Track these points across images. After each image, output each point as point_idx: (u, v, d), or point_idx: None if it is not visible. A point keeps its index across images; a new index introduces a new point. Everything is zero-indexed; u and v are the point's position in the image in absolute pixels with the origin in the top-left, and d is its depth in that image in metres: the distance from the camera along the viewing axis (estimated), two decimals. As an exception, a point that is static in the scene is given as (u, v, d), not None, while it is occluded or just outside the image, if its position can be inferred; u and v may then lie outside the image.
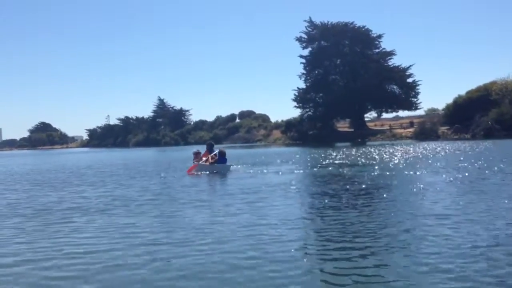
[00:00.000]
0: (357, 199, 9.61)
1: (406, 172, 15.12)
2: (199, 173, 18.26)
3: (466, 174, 13.64)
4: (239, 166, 20.65)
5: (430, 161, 19.56)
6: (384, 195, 10.00)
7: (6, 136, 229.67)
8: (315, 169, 18.26)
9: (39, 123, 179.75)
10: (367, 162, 20.79)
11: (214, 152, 19.43)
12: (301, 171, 17.88)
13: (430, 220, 7.13)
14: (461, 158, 20.31)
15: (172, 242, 6.33)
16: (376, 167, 17.35)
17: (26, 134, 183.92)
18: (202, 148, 21.37)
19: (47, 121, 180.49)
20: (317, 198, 10.00)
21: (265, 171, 17.81)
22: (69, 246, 6.40)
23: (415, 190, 10.64)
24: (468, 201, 8.68)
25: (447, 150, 27.79)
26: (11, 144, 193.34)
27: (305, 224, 7.35)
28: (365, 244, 5.80)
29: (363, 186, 11.74)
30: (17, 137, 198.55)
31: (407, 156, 23.79)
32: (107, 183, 15.53)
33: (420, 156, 23.46)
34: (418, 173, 14.89)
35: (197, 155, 20.49)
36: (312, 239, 6.33)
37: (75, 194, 12.60)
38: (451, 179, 12.54)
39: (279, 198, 10.11)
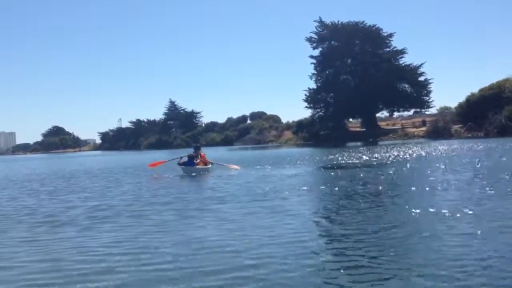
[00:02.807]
0: (372, 201, 9.50)
1: (421, 172, 15.12)
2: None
3: (484, 173, 13.40)
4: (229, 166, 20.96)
5: (445, 160, 19.51)
6: (400, 196, 9.93)
7: (20, 140, 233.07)
8: (327, 170, 18.25)
9: (52, 127, 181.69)
10: (380, 161, 20.80)
11: (184, 156, 20.26)
12: (314, 172, 17.96)
13: (446, 223, 7.00)
14: (477, 157, 20.22)
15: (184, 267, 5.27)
16: (389, 167, 17.37)
17: (39, 138, 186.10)
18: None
19: (60, 125, 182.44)
20: (334, 200, 9.81)
21: (276, 172, 17.82)
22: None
23: (431, 190, 10.58)
24: (491, 203, 8.41)
25: (461, 149, 27.68)
26: (25, 148, 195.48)
27: (324, 232, 6.95)
28: (382, 250, 5.69)
29: (377, 187, 11.58)
30: (31, 141, 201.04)
31: (421, 155, 23.77)
32: (95, 191, 14.27)
33: (434, 155, 23.42)
34: (434, 172, 14.83)
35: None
36: (332, 249, 5.97)
37: (55, 203, 11.47)
38: (469, 178, 12.45)
39: (294, 202, 9.88)
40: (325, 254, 5.62)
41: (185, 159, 19.81)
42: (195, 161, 19.65)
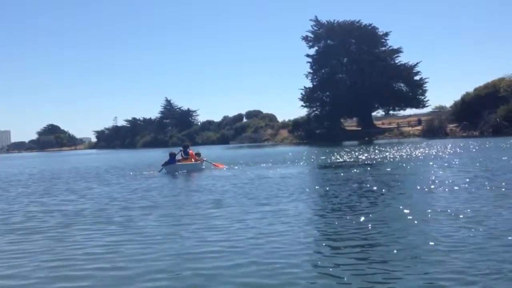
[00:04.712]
0: (368, 201, 9.28)
1: (416, 171, 14.93)
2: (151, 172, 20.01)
3: (479, 173, 13.25)
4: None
5: (441, 159, 19.30)
6: (396, 197, 9.73)
7: (15, 139, 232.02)
8: (323, 169, 18.09)
9: (47, 125, 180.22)
10: (376, 161, 20.59)
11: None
12: (310, 171, 17.72)
13: (442, 222, 6.90)
14: (472, 156, 20.05)
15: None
16: (385, 166, 17.17)
17: (34, 136, 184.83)
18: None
19: (55, 123, 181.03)
20: (330, 202, 9.58)
21: (271, 172, 17.58)
22: None
23: (426, 190, 10.41)
24: (488, 203, 8.29)
25: (456, 148, 27.50)
26: (20, 146, 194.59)
27: (322, 237, 6.65)
28: (378, 251, 5.61)
29: (373, 187, 11.40)
30: (26, 139, 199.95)
31: (416, 154, 23.56)
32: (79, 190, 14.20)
33: (430, 154, 23.21)
34: (428, 171, 14.65)
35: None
36: (328, 251, 5.86)
37: (33, 207, 11.05)
38: (465, 178, 12.24)
39: (288, 202, 9.69)
40: (323, 261, 5.38)
41: (167, 159, 20.25)
42: (176, 158, 20.31)
